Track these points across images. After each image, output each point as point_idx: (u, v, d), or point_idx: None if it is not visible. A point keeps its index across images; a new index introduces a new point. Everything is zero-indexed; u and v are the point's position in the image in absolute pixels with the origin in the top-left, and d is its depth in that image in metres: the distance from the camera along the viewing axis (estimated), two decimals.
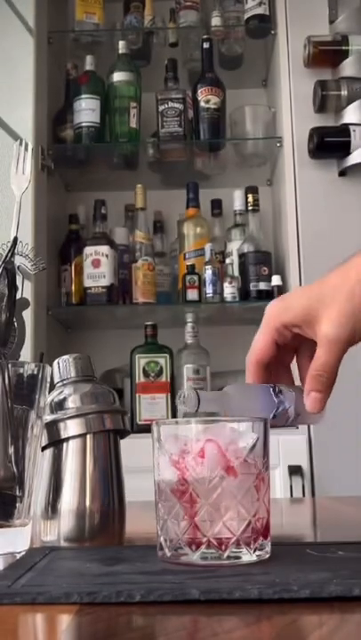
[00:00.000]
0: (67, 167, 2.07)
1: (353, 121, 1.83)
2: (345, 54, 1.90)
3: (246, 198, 1.98)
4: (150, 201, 2.03)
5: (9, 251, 0.61)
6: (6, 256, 0.61)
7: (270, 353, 0.61)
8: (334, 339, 0.57)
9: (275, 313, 0.61)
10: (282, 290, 1.88)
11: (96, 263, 1.90)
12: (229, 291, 1.89)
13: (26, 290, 0.62)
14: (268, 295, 1.90)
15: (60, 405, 0.67)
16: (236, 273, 1.93)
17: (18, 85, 1.88)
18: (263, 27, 2.02)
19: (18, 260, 0.61)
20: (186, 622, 0.38)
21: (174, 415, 1.82)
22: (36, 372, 0.59)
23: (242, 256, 1.94)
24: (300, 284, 1.79)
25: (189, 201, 2.00)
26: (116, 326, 2.08)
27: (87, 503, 0.65)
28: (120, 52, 2.02)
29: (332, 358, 0.58)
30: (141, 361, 1.86)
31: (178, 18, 2.09)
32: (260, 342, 0.61)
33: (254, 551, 0.50)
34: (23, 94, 1.87)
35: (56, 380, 0.69)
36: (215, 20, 2.07)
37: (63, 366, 0.69)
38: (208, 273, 1.90)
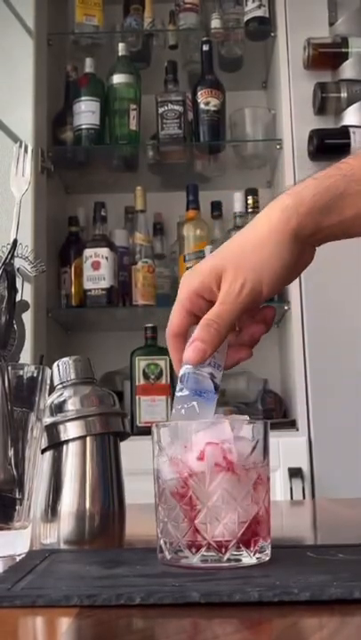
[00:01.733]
0: (66, 169, 2.07)
1: (353, 123, 1.83)
2: (345, 56, 1.90)
3: (246, 200, 1.98)
4: (150, 203, 2.03)
5: (9, 253, 0.61)
6: (6, 258, 0.61)
7: (186, 324, 0.58)
8: (229, 291, 0.55)
9: (185, 282, 0.58)
10: (282, 292, 1.88)
11: (96, 265, 1.90)
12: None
13: (25, 292, 0.62)
14: None
15: (59, 408, 0.66)
16: None
17: (17, 87, 1.88)
18: (263, 29, 2.02)
19: (17, 263, 0.61)
20: (186, 625, 0.38)
21: None
22: (35, 375, 0.59)
23: None
24: (300, 285, 1.79)
25: (189, 203, 2.00)
26: (116, 328, 2.08)
27: (87, 505, 0.65)
28: (120, 54, 2.02)
29: (225, 310, 0.55)
30: (141, 363, 1.86)
31: (177, 20, 2.09)
32: (174, 316, 0.58)
33: (254, 554, 0.50)
34: (23, 96, 1.87)
35: (56, 382, 0.69)
36: (215, 23, 2.07)
37: (63, 368, 0.69)
38: None
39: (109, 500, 0.66)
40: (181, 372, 0.57)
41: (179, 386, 0.57)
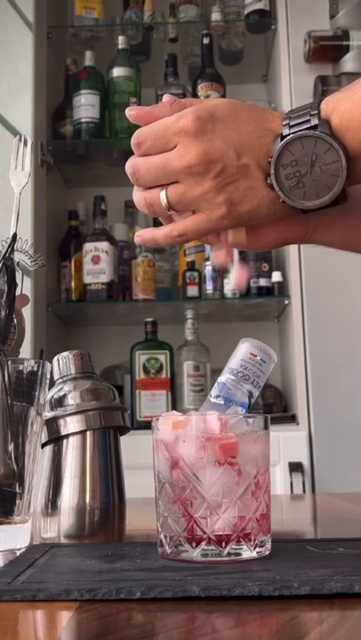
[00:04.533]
0: (66, 163, 2.07)
1: None
2: (345, 49, 1.89)
3: None
4: None
5: (8, 247, 0.60)
6: (6, 252, 0.60)
7: None
8: None
9: None
10: (282, 286, 1.88)
11: (96, 259, 1.89)
12: (230, 287, 1.89)
13: (25, 286, 0.62)
14: (268, 291, 1.90)
15: (59, 402, 0.66)
16: None
17: (17, 81, 1.88)
18: (263, 22, 2.01)
19: (17, 257, 0.61)
20: (186, 619, 0.38)
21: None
22: (35, 369, 0.59)
23: (242, 252, 1.94)
24: (301, 280, 1.79)
25: None
26: (116, 323, 2.08)
27: (87, 500, 0.65)
28: (120, 47, 2.01)
29: None
30: (141, 357, 1.86)
31: (178, 13, 2.08)
32: None
33: (254, 548, 0.50)
34: (22, 90, 1.86)
35: (56, 376, 0.68)
36: (215, 15, 2.06)
37: (63, 363, 0.68)
38: (208, 269, 1.90)
39: (110, 495, 0.66)
40: (223, 380, 0.57)
41: (215, 392, 0.57)
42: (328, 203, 0.53)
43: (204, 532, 0.49)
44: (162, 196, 0.56)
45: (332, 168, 0.52)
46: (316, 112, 0.53)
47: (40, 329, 1.77)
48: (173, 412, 0.54)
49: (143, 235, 0.60)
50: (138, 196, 0.58)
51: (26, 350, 0.62)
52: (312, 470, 1.69)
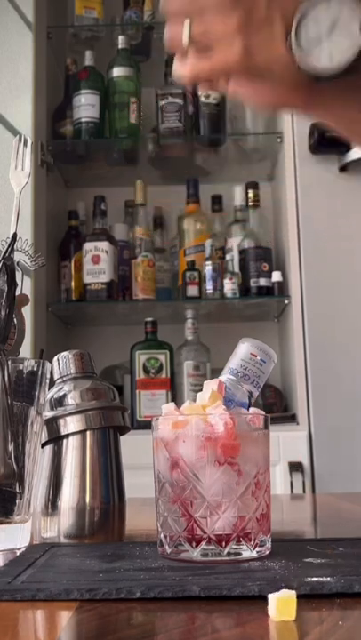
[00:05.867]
0: (66, 163, 2.06)
1: None
2: None
3: (247, 194, 1.98)
4: (150, 197, 2.02)
5: (8, 247, 0.60)
6: (6, 252, 0.60)
7: None
8: None
9: None
10: (282, 286, 1.88)
11: (96, 259, 1.89)
12: (230, 287, 1.89)
13: (25, 286, 0.62)
14: (268, 291, 1.90)
15: (59, 402, 0.66)
16: (237, 269, 1.93)
17: (17, 81, 1.88)
18: None
19: (17, 257, 0.61)
20: (186, 619, 0.38)
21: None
22: (35, 369, 0.59)
23: (242, 252, 1.94)
24: (301, 280, 1.79)
25: (189, 197, 2.00)
26: (116, 323, 2.08)
27: (87, 500, 0.65)
28: (120, 47, 2.01)
29: None
30: (141, 357, 1.86)
31: None
32: None
33: (254, 547, 0.50)
34: (22, 90, 1.86)
35: (56, 376, 0.68)
36: None
37: (63, 363, 0.69)
38: (208, 269, 1.90)
39: (110, 494, 0.66)
40: (223, 380, 0.57)
41: None
42: (342, 69, 0.53)
43: (204, 532, 0.49)
44: (185, 27, 0.56)
45: (352, 33, 0.52)
46: None
47: (40, 329, 1.77)
48: (172, 403, 0.55)
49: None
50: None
51: (26, 350, 0.62)
52: (312, 470, 1.69)
